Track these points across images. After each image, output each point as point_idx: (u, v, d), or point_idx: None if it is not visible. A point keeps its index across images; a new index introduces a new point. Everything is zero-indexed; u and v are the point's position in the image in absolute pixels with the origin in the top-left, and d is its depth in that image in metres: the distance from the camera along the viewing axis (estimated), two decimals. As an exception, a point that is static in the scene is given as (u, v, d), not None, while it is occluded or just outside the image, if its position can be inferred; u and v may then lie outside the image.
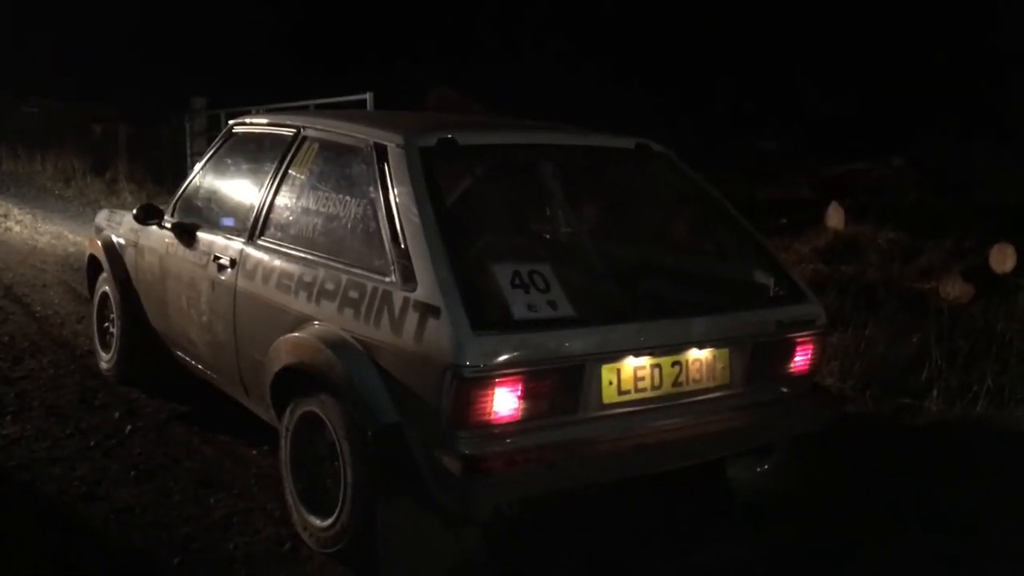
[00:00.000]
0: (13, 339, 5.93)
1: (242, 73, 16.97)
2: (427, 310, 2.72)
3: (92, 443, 4.18)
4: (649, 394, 3.00)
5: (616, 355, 2.89)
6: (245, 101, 13.54)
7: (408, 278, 2.83)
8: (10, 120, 21.19)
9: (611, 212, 4.19)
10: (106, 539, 3.37)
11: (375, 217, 3.08)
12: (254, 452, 4.18)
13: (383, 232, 3.00)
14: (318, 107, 11.69)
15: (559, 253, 3.34)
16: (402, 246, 2.89)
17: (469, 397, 2.62)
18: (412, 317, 2.76)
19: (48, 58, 20.31)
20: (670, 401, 3.06)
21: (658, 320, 3.03)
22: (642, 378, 2.97)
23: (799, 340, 3.32)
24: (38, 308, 6.99)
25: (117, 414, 4.58)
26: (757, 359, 3.23)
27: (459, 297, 2.68)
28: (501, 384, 2.65)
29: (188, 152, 14.70)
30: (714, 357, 3.12)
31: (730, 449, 3.32)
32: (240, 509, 3.61)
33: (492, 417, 2.67)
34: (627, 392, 2.94)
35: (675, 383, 3.05)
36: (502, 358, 2.64)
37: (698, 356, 3.08)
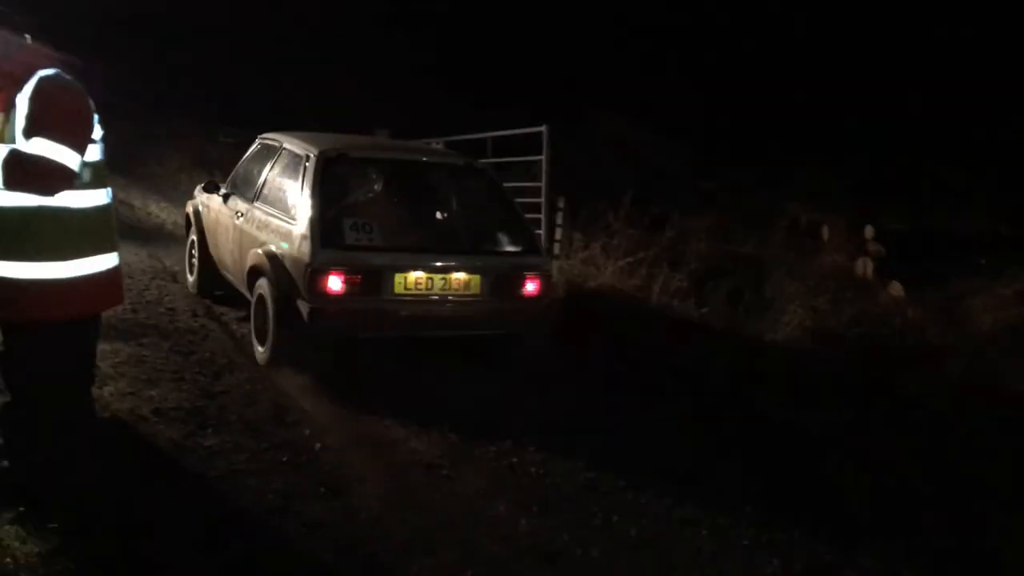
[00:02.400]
0: (213, 355, 6.32)
1: (424, 104, 17.60)
2: (303, 237, 5.62)
3: (285, 458, 4.37)
4: (424, 292, 5.75)
5: (403, 268, 5.66)
6: (425, 133, 14.02)
7: (299, 222, 5.74)
8: (210, 151, 22.82)
9: (441, 199, 6.78)
10: (295, 553, 3.50)
11: (298, 192, 5.97)
12: (444, 472, 4.25)
13: (298, 199, 5.92)
14: (494, 140, 11.96)
15: (392, 217, 6.03)
16: (302, 207, 5.79)
17: (315, 279, 5.46)
18: (298, 240, 5.66)
19: (234, 87, 21.81)
20: (438, 298, 5.79)
21: (431, 254, 5.86)
22: (419, 283, 5.73)
23: (528, 276, 6.04)
24: (235, 327, 7.43)
25: (307, 431, 4.79)
26: (500, 283, 5.95)
27: (318, 232, 5.55)
28: (333, 274, 5.46)
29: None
30: (469, 278, 5.84)
31: (475, 330, 6.14)
32: (423, 528, 3.67)
33: (328, 291, 5.48)
34: (410, 289, 5.71)
35: (442, 289, 5.78)
36: (333, 261, 5.48)
37: (458, 276, 5.81)
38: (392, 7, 21.59)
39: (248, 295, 6.48)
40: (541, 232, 10.71)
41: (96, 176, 3.41)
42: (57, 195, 3.24)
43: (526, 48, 20.20)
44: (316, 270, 5.43)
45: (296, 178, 6.07)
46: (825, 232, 10.14)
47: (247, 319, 6.77)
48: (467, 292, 5.81)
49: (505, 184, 11.63)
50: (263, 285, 6.02)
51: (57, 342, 3.37)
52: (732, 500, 4.30)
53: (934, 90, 20.06)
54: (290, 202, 6.05)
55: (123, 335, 6.66)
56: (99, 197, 3.44)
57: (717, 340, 7.36)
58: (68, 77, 3.31)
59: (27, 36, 3.42)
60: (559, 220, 10.60)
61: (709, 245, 10.30)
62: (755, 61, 19.78)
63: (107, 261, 3.47)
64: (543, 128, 10.61)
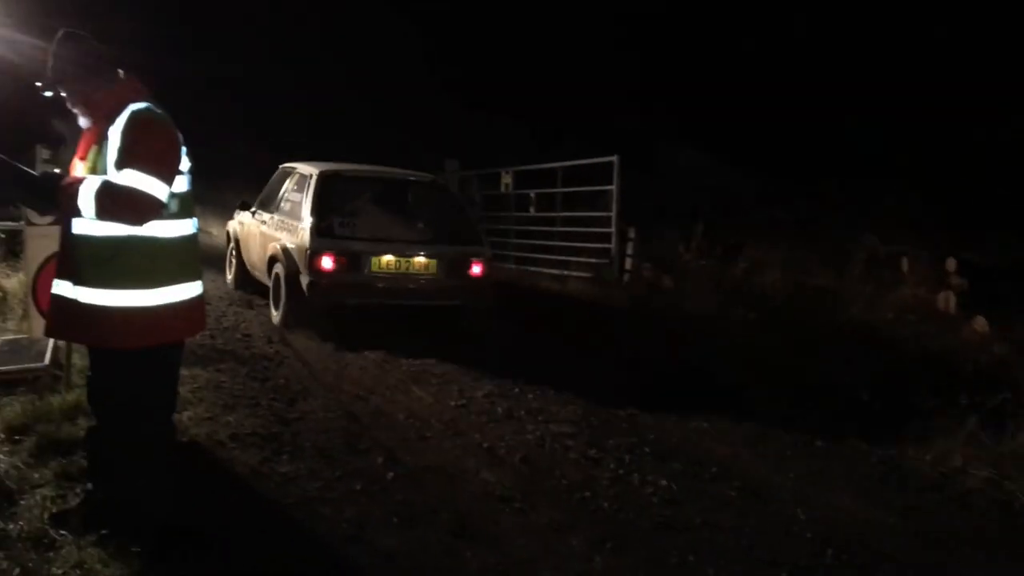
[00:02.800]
0: (288, 382, 6.41)
1: (495, 135, 17.79)
2: (304, 231, 7.94)
3: (358, 487, 4.38)
4: (393, 271, 7.99)
5: (377, 252, 7.91)
6: (495, 163, 14.12)
7: (303, 221, 8.04)
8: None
9: (410, 205, 8.76)
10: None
11: (303, 200, 8.20)
12: (516, 505, 4.22)
13: (303, 205, 8.16)
14: (565, 170, 11.98)
15: (371, 217, 8.18)
16: (305, 210, 8.07)
17: (312, 260, 7.77)
18: (301, 233, 7.98)
19: (305, 122, 22.41)
20: (404, 276, 8.02)
21: (399, 243, 8.07)
22: (390, 264, 7.96)
23: (473, 260, 8.18)
24: (309, 353, 7.53)
25: (379, 460, 4.80)
26: (451, 265, 8.12)
27: (315, 226, 7.88)
28: (325, 256, 7.76)
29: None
30: (428, 261, 8.08)
31: (431, 301, 8.30)
32: (496, 563, 3.63)
33: (321, 268, 7.76)
34: (383, 269, 7.95)
35: (407, 269, 8.02)
36: (325, 247, 7.77)
37: (419, 259, 8.06)
38: (462, 42, 21.86)
39: (267, 280, 8.86)
40: (611, 261, 10.68)
41: (183, 206, 3.50)
42: (145, 225, 3.33)
43: (596, 79, 20.21)
44: (313, 252, 7.80)
45: (303, 191, 8.42)
46: (905, 264, 9.84)
47: (318, 342, 7.68)
48: (427, 272, 8.18)
49: (575, 214, 11.70)
50: (278, 267, 8.40)
51: (142, 368, 3.45)
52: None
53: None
54: (298, 209, 8.39)
55: (201, 361, 6.80)
56: (185, 227, 3.53)
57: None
58: (158, 111, 3.42)
59: (120, 72, 3.54)
60: (629, 250, 10.54)
61: (783, 276, 10.09)
62: (832, 88, 19.41)
63: (192, 290, 3.55)
64: (614, 158, 10.61)
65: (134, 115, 3.35)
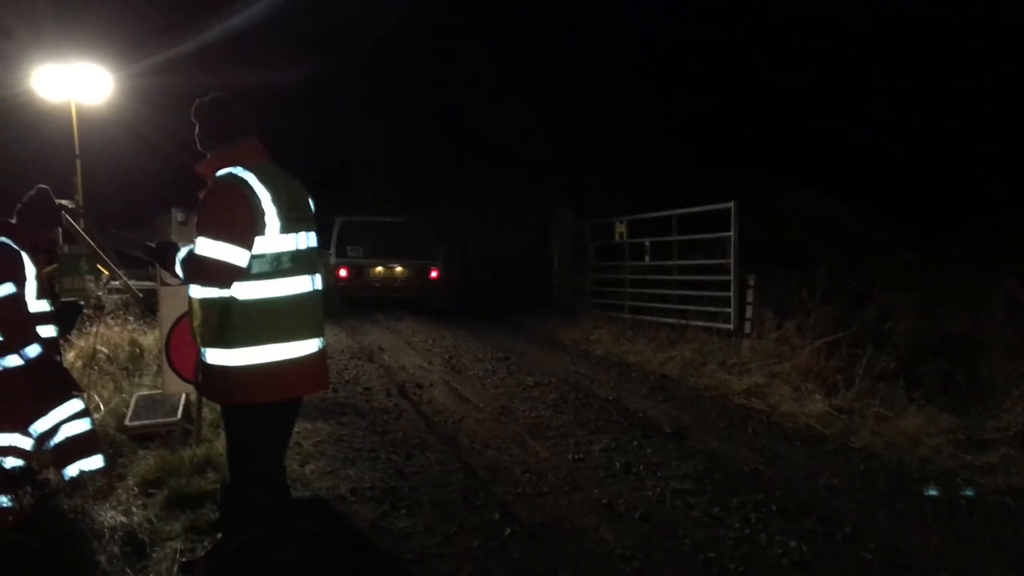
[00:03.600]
0: (406, 435, 6.46)
1: (607, 190, 17.97)
2: (332, 255, 16.78)
3: (475, 543, 4.33)
4: (383, 276, 17.24)
5: (373, 265, 17.12)
6: (611, 212, 14.08)
7: (332, 250, 16.83)
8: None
9: (397, 236, 17.09)
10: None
11: (333, 237, 16.92)
12: (636, 564, 4.08)
13: (333, 242, 16.85)
14: (680, 217, 11.82)
15: (371, 244, 17.02)
16: (333, 245, 16.87)
17: (337, 271, 16.76)
18: (333, 258, 16.75)
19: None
20: (390, 278, 17.24)
21: (385, 260, 17.08)
22: (380, 271, 17.20)
23: (431, 268, 17.18)
24: (426, 406, 7.59)
25: (496, 515, 4.74)
26: (418, 271, 17.20)
27: (337, 253, 16.86)
28: (342, 268, 16.86)
29: (555, 255, 15.64)
30: (404, 269, 17.21)
31: (406, 294, 17.20)
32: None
33: (340, 277, 16.86)
34: (377, 275, 17.20)
35: (391, 274, 17.23)
36: (343, 263, 16.85)
37: (399, 267, 17.21)
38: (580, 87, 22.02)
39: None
40: (731, 311, 10.41)
41: (296, 263, 3.53)
42: (246, 286, 3.41)
43: (712, 122, 19.99)
44: (335, 267, 16.07)
45: (334, 232, 16.38)
46: (1050, 308, 9.19)
47: (435, 395, 7.04)
48: (403, 276, 16.92)
49: (692, 262, 11.51)
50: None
51: (254, 424, 3.52)
52: None
53: None
54: (330, 245, 16.24)
55: (324, 414, 6.96)
56: (300, 284, 3.55)
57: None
58: (241, 176, 3.45)
59: (249, 135, 3.66)
60: (749, 298, 10.26)
61: (916, 323, 9.58)
62: (960, 123, 18.57)
63: (307, 347, 3.57)
64: (731, 204, 10.39)
65: (214, 182, 3.48)
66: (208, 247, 3.35)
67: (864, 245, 14.54)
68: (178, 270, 3.51)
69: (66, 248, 12.61)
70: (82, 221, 12.99)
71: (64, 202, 12.62)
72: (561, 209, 16.02)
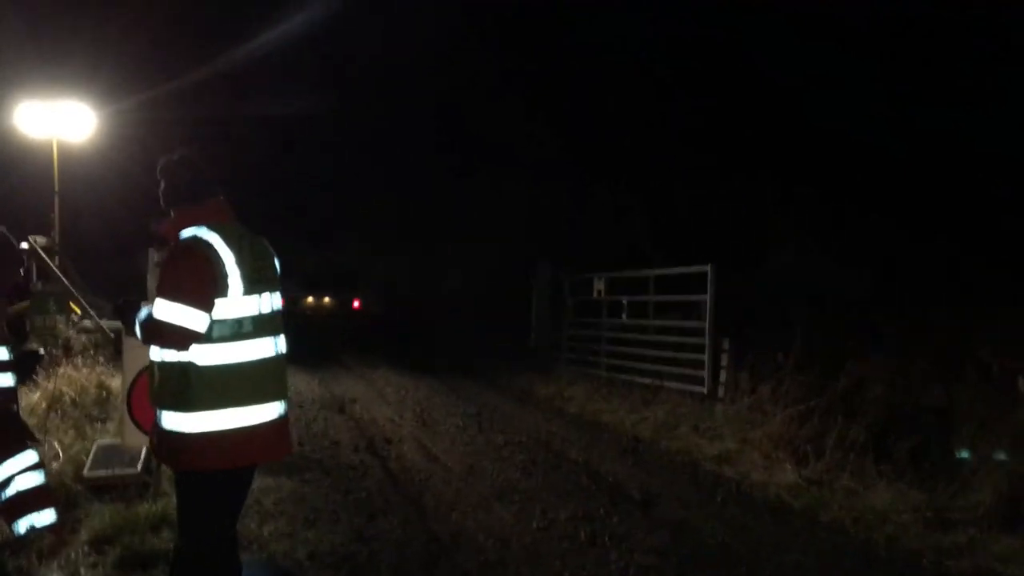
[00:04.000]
0: (370, 495, 6.36)
1: (594, 239, 17.85)
2: None
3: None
4: (314, 305, 27.79)
5: (305, 297, 27.39)
6: (590, 267, 14.12)
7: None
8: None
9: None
10: None
11: None
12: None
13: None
14: (657, 278, 11.88)
15: (308, 282, 27.54)
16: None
17: None
18: None
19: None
20: (320, 307, 27.62)
21: (319, 293, 27.74)
22: (311, 302, 27.89)
23: (354, 299, 27.32)
24: (393, 463, 7.49)
25: (455, 587, 4.65)
26: (342, 301, 27.51)
27: None
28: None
29: (533, 308, 15.63)
30: (329, 300, 27.82)
31: (334, 320, 25.50)
32: None
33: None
34: (309, 304, 27.74)
35: (322, 305, 27.84)
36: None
37: (326, 299, 27.86)
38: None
39: None
40: (705, 374, 10.41)
41: (258, 327, 3.46)
42: (203, 349, 3.35)
43: (690, 179, 20.06)
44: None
45: None
46: (1021, 383, 9.23)
47: (404, 451, 6.83)
48: (330, 306, 27.30)
49: (668, 323, 11.50)
50: None
51: (206, 490, 3.44)
52: None
53: None
54: None
55: (288, 469, 6.84)
56: (262, 349, 3.48)
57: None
58: (204, 239, 3.39)
59: (216, 195, 3.62)
60: (724, 362, 10.26)
61: (888, 392, 9.59)
62: (958, 182, 18.55)
63: (268, 412, 3.49)
64: (707, 267, 10.45)
65: (177, 243, 3.44)
66: (167, 310, 3.29)
67: (846, 309, 14.59)
68: (137, 332, 3.46)
69: (39, 285, 12.48)
70: (57, 258, 12.89)
71: (39, 238, 12.53)
72: (541, 261, 16.05)
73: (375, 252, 27.36)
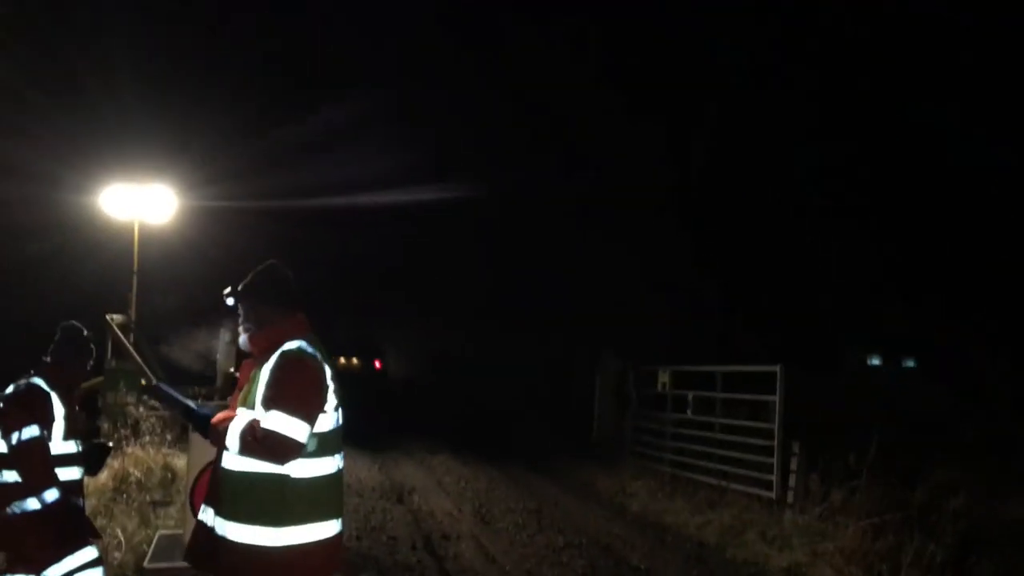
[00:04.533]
0: (425, 602, 6.23)
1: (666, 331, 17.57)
2: None
3: None
4: (344, 365, 24.92)
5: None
6: (657, 361, 13.93)
7: None
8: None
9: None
10: None
11: None
12: None
13: None
14: (724, 375, 11.65)
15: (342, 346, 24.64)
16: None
17: None
18: None
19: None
20: (349, 367, 25.59)
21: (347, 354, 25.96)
22: (342, 362, 23.83)
23: (375, 360, 27.08)
24: (451, 564, 7.34)
25: None
26: (366, 363, 27.01)
27: None
28: None
29: (596, 398, 15.48)
30: (357, 361, 26.65)
31: (361, 377, 25.77)
32: None
33: None
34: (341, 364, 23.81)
35: (350, 365, 25.83)
36: None
37: (354, 360, 26.50)
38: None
39: None
40: (773, 479, 10.08)
41: (323, 445, 3.46)
42: (294, 463, 3.36)
43: (768, 278, 19.73)
44: None
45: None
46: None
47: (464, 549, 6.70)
48: (355, 366, 25.57)
49: (735, 422, 11.23)
50: None
51: None
52: None
53: None
54: None
55: (346, 566, 6.75)
56: (327, 466, 3.48)
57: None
58: (309, 350, 3.48)
59: (298, 312, 3.66)
60: (793, 466, 9.93)
61: (969, 506, 9.13)
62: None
63: (323, 531, 3.45)
64: (776, 368, 10.20)
65: (284, 354, 3.45)
66: (281, 422, 3.29)
67: (928, 418, 14.06)
68: (232, 440, 3.38)
69: (113, 362, 12.80)
70: (131, 336, 13.24)
71: (116, 316, 12.92)
72: (606, 351, 15.91)
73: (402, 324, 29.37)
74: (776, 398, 10.21)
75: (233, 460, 3.42)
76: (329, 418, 3.48)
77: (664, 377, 13.50)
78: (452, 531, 8.64)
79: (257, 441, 3.31)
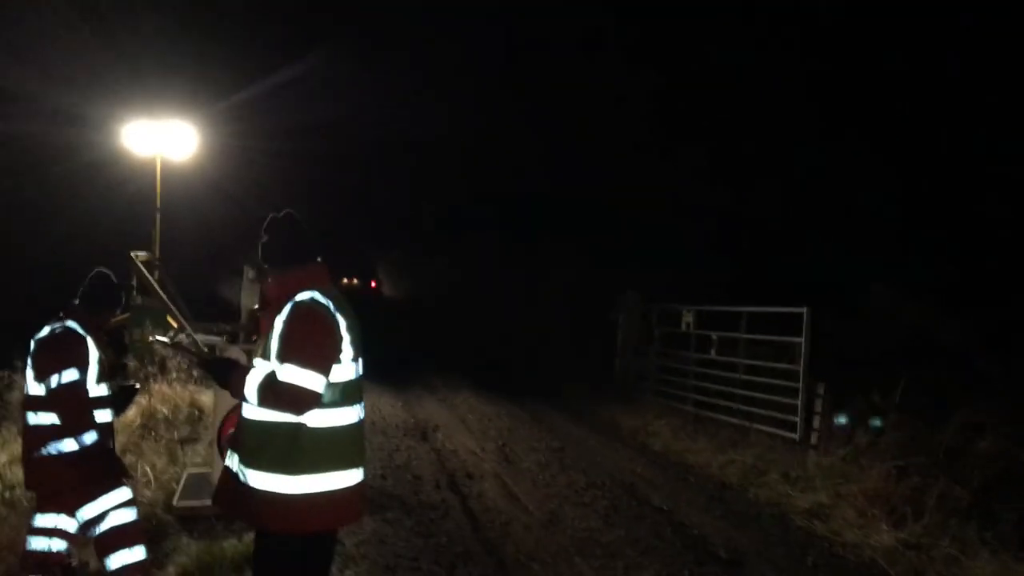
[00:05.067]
0: (451, 540, 6.30)
1: (689, 271, 17.37)
2: None
3: None
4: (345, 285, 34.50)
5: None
6: (681, 300, 13.83)
7: None
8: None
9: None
10: None
11: None
12: None
13: None
14: (750, 315, 11.54)
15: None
16: None
17: None
18: None
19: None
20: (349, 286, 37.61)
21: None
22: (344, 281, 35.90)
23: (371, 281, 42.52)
24: (475, 502, 7.41)
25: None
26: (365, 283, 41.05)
27: None
28: None
29: (618, 337, 15.41)
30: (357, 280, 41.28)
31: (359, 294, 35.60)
32: None
33: None
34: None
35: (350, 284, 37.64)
36: None
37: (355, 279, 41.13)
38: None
39: None
40: (797, 420, 10.06)
41: (345, 394, 3.47)
42: (310, 413, 3.36)
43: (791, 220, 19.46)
44: None
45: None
46: None
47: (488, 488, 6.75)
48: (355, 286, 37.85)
49: (759, 363, 11.15)
50: None
51: (285, 554, 3.43)
52: None
53: None
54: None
55: (371, 505, 6.85)
56: (347, 415, 3.48)
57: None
58: (321, 301, 3.44)
59: (317, 258, 3.63)
60: (818, 407, 9.89)
61: (998, 446, 9.06)
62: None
63: (345, 479, 3.47)
64: (803, 310, 10.09)
65: (295, 306, 3.43)
66: (296, 375, 3.31)
67: (955, 354, 13.89)
68: (250, 393, 3.42)
69: (139, 299, 12.88)
70: (156, 273, 13.28)
71: (141, 253, 12.96)
72: (630, 290, 15.80)
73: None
74: (802, 340, 10.13)
75: (252, 410, 3.44)
76: (346, 368, 3.48)
77: (688, 316, 13.40)
78: (476, 470, 8.71)
79: (274, 394, 3.34)
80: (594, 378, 15.52)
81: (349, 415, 3.50)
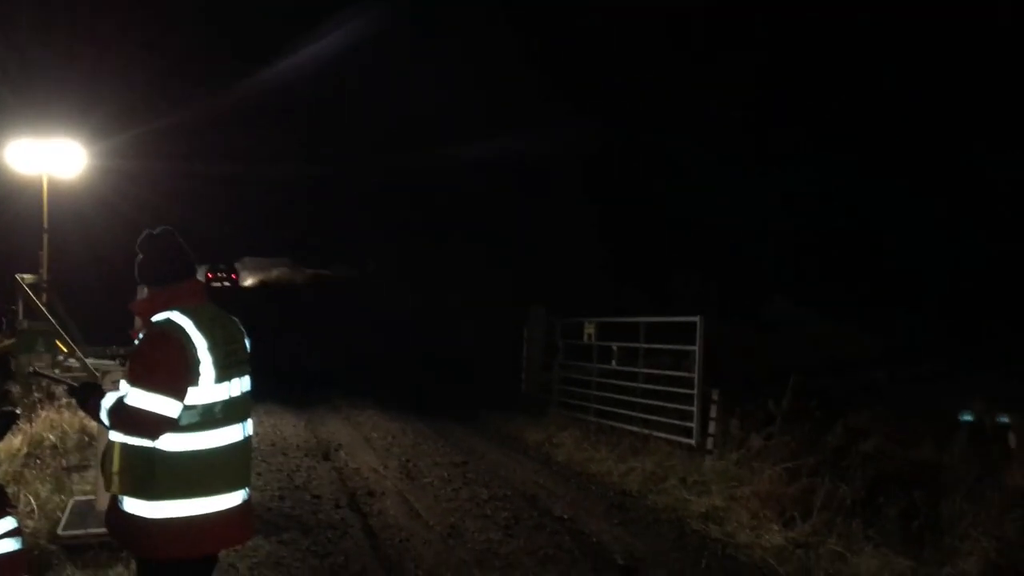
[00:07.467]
0: (348, 560, 6.24)
1: (587, 282, 17.66)
2: None
3: None
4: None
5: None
6: (580, 312, 14.07)
7: None
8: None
9: None
10: None
11: None
12: None
13: None
14: (647, 325, 11.81)
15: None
16: None
17: None
18: None
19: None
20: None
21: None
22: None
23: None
24: (375, 520, 7.37)
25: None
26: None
27: None
28: None
29: (524, 351, 15.53)
30: None
31: None
32: None
33: None
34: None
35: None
36: None
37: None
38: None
39: None
40: (693, 426, 10.32)
41: (229, 413, 3.41)
42: (171, 437, 3.29)
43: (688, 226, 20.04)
44: None
45: None
46: (1012, 439, 9.16)
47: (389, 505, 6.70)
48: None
49: (658, 371, 11.41)
50: None
51: None
52: None
53: None
54: None
55: (267, 528, 6.73)
56: (230, 435, 3.42)
57: None
58: (178, 323, 3.34)
59: (193, 274, 3.58)
60: (713, 413, 10.18)
61: (879, 448, 9.50)
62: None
63: (231, 500, 3.42)
64: (696, 319, 10.39)
65: (150, 328, 3.38)
66: (141, 399, 3.23)
67: (844, 363, 14.49)
68: (103, 417, 3.36)
69: (26, 323, 12.39)
70: (44, 296, 12.81)
71: (27, 276, 12.47)
72: (536, 305, 15.97)
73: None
74: (696, 347, 10.42)
75: (112, 433, 3.38)
76: (208, 390, 3.37)
77: (590, 328, 13.63)
78: (377, 488, 8.65)
79: (121, 418, 3.28)
80: (501, 392, 15.60)
81: (217, 437, 3.39)
